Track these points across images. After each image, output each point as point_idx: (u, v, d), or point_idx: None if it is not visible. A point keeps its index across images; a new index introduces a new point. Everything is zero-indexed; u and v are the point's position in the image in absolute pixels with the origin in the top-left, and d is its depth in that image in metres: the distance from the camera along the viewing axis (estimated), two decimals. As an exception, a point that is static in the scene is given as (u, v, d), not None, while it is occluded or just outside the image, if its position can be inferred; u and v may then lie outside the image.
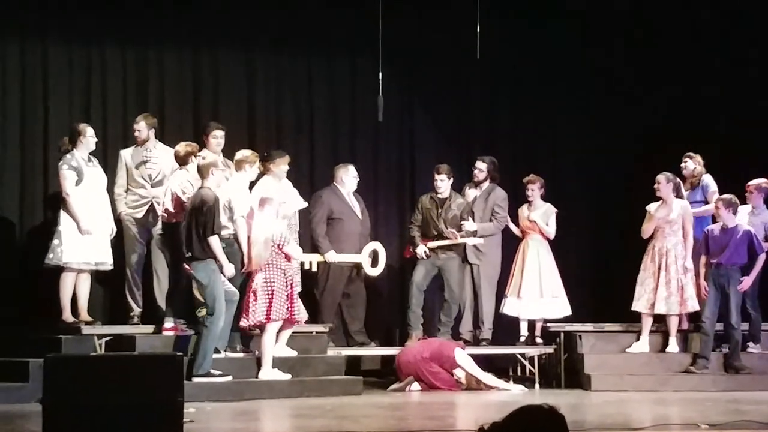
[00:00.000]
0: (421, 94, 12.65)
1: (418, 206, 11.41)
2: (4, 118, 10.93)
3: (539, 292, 11.36)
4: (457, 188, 11.51)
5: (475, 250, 11.39)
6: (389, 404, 9.24)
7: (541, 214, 11.46)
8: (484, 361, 10.96)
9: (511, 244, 11.60)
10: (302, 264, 10.47)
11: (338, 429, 7.13)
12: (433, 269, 11.32)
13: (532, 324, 11.48)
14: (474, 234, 11.28)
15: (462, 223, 11.24)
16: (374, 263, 11.09)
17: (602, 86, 12.81)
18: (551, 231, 11.44)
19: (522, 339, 11.41)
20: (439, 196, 11.29)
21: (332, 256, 10.97)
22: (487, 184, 11.60)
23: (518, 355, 11.36)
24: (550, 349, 11.33)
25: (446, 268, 11.27)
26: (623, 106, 12.73)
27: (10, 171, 10.89)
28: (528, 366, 11.22)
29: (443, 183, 11.26)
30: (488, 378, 10.54)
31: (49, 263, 9.68)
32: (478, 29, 10.51)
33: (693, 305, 10.80)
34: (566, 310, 11.42)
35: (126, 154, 10.40)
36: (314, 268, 10.84)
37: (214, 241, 9.25)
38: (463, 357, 10.54)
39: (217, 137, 10.49)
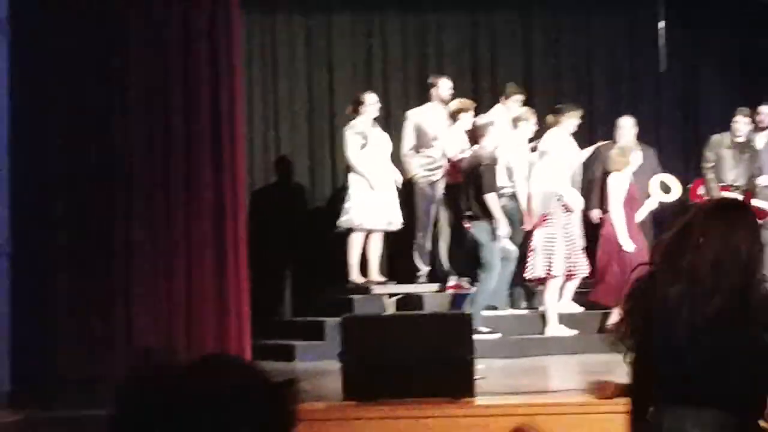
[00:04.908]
0: (704, 42, 12.18)
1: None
2: (291, 90, 11.30)
3: None
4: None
5: None
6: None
7: None
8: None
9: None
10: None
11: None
12: None
13: None
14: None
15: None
16: (666, 191, 10.61)
17: None
18: None
19: None
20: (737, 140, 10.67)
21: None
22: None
23: None
24: None
25: None
26: None
27: (299, 140, 11.27)
28: None
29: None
30: None
31: (341, 225, 10.00)
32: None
33: None
34: None
35: (414, 115, 10.54)
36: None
37: (491, 199, 9.32)
38: None
39: (517, 101, 10.44)
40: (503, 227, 9.42)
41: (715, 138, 10.60)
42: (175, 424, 1.68)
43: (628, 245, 9.65)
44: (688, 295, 3.22)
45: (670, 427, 3.27)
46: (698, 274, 3.22)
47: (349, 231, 9.98)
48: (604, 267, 9.76)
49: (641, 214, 10.01)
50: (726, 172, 10.50)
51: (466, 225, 9.52)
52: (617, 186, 9.79)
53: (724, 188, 10.46)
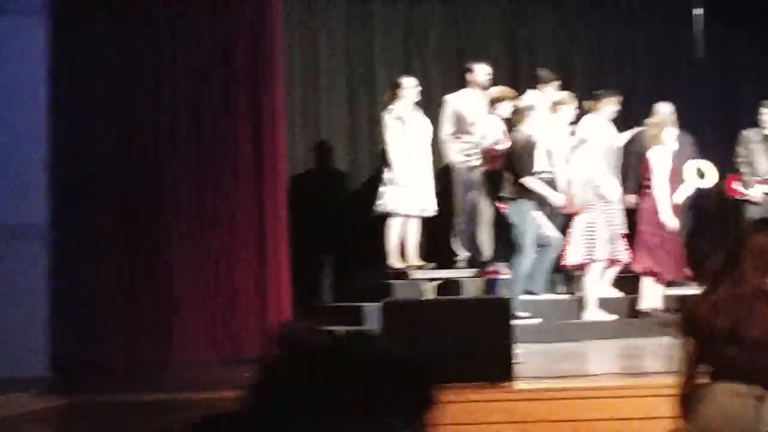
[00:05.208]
0: (741, 31, 12.11)
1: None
2: (331, 75, 11.34)
3: None
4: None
5: None
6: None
7: None
8: None
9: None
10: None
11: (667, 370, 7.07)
12: None
13: None
14: None
15: None
16: (702, 177, 10.57)
17: None
18: None
19: None
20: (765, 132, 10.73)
21: None
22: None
23: None
24: None
25: None
26: None
27: (338, 125, 11.32)
28: None
29: None
30: None
31: (377, 210, 10.05)
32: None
33: None
34: None
35: (453, 100, 10.54)
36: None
37: (531, 182, 9.35)
38: None
39: (554, 86, 10.41)
40: (556, 198, 9.44)
41: (745, 133, 10.58)
42: (320, 400, 1.66)
43: (670, 221, 9.67)
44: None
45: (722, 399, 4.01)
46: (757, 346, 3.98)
47: (387, 216, 10.03)
48: (644, 239, 9.75)
49: (679, 197, 10.00)
50: (759, 165, 10.46)
51: (501, 207, 9.57)
52: (658, 161, 9.78)
53: (759, 182, 10.43)
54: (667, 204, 9.72)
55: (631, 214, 10.06)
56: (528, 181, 9.37)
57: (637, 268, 9.81)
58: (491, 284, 9.76)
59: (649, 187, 9.82)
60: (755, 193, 10.43)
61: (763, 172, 10.43)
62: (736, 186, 10.59)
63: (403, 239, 10.10)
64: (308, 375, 1.68)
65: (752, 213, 10.24)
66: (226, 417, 1.76)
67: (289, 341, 1.74)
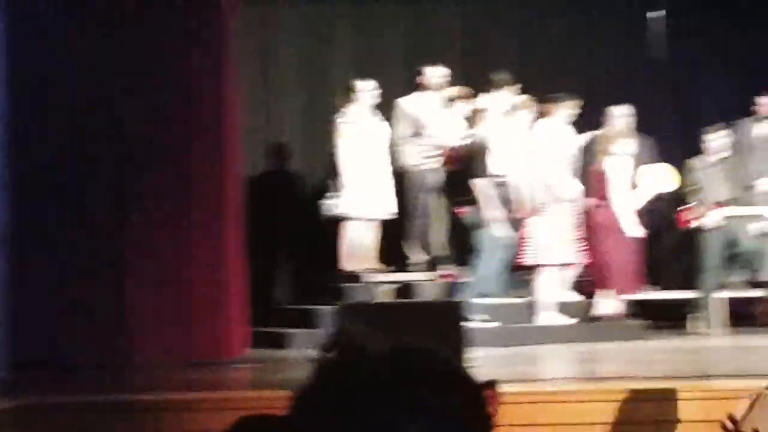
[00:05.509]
0: (703, 33, 12.09)
1: None
2: (288, 77, 11.29)
3: None
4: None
5: None
6: (678, 348, 9.04)
7: None
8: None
9: None
10: None
11: (627, 374, 7.03)
12: None
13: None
14: None
15: None
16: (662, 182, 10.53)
17: None
18: None
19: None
20: None
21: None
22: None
23: None
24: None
25: None
26: None
27: (296, 127, 11.28)
28: None
29: None
30: None
31: (330, 214, 9.97)
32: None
33: None
34: None
35: (404, 103, 10.48)
36: None
37: (481, 184, 9.33)
38: None
39: (509, 89, 10.36)
40: (491, 212, 9.41)
41: (690, 162, 10.38)
42: (374, 412, 1.53)
43: (630, 230, 9.67)
44: None
45: None
46: None
47: (342, 219, 9.96)
48: (601, 253, 9.75)
49: (637, 202, 10.00)
50: (713, 191, 10.28)
51: (460, 210, 9.53)
52: (612, 171, 9.79)
53: (715, 207, 10.27)
54: (627, 213, 9.71)
55: (589, 218, 10.03)
56: (478, 184, 9.34)
57: (594, 277, 9.81)
58: (450, 288, 9.71)
59: (604, 197, 9.82)
60: (712, 219, 10.25)
61: (720, 196, 10.34)
62: (688, 216, 10.40)
63: (357, 242, 10.03)
64: (363, 383, 1.55)
65: (711, 240, 10.18)
66: (270, 421, 1.63)
67: (344, 345, 1.60)
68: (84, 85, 8.72)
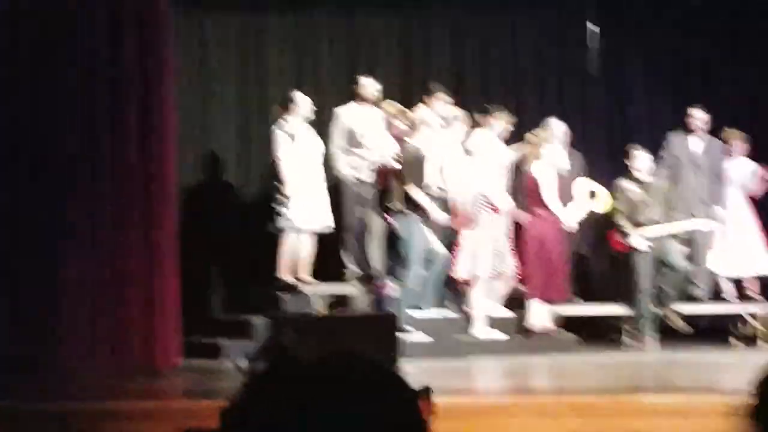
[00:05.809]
0: (635, 44, 12.19)
1: None
2: (223, 87, 11.24)
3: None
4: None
5: None
6: (608, 363, 9.12)
7: None
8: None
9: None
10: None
11: (558, 387, 7.09)
12: None
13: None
14: None
15: None
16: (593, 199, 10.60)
17: None
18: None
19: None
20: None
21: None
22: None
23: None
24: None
25: None
26: None
27: (230, 138, 11.22)
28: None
29: None
30: None
31: (271, 226, 9.93)
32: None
33: None
34: None
35: (343, 113, 10.46)
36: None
37: (415, 193, 9.36)
38: None
39: (443, 101, 10.37)
40: (437, 215, 9.45)
41: (621, 184, 10.36)
42: (308, 419, 1.54)
43: (568, 220, 9.79)
44: None
45: None
46: None
47: (282, 230, 9.93)
48: (533, 267, 9.83)
49: (573, 218, 10.08)
50: (644, 212, 10.32)
51: (388, 219, 9.56)
52: (541, 175, 9.88)
53: (649, 227, 10.31)
54: (560, 207, 9.86)
55: (520, 231, 10.11)
56: (414, 193, 9.39)
57: (525, 288, 9.89)
58: (383, 301, 9.71)
59: (536, 206, 9.91)
60: (641, 241, 10.27)
61: (650, 218, 10.35)
62: (619, 238, 10.40)
63: (294, 254, 10.01)
64: (295, 392, 1.55)
65: (643, 261, 10.24)
66: None
67: (275, 355, 1.60)
68: (10, 92, 8.64)
